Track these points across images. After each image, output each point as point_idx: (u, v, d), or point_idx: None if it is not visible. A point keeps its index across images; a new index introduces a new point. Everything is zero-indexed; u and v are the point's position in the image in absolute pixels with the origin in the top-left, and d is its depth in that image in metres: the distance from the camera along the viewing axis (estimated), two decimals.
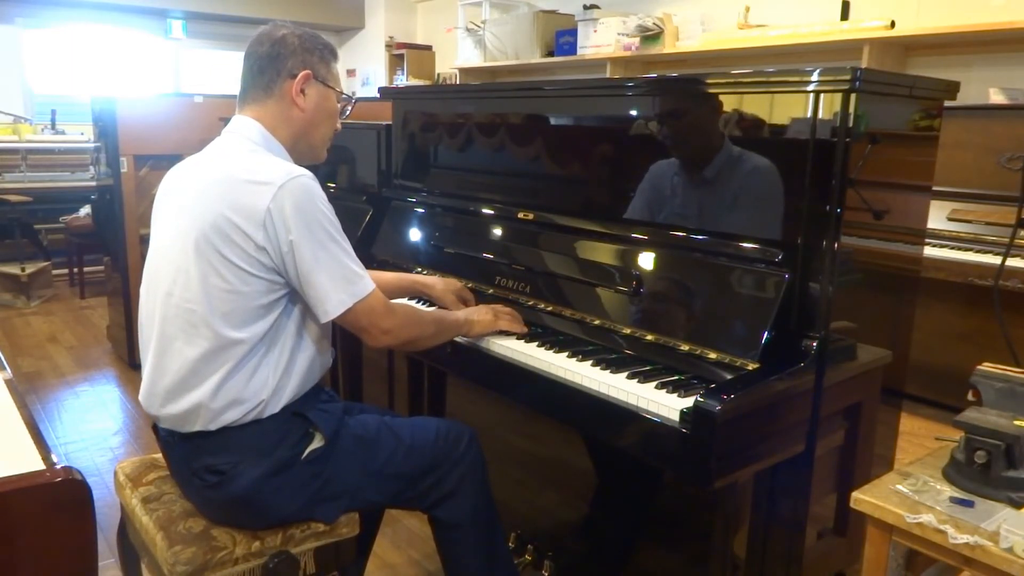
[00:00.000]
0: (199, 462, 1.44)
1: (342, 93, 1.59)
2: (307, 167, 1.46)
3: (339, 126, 1.61)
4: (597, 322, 1.68)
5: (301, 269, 1.38)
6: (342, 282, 1.41)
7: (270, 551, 1.44)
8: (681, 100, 1.68)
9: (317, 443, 1.48)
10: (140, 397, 1.51)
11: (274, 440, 1.44)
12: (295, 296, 1.44)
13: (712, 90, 1.58)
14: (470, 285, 1.97)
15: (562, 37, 5.10)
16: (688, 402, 1.33)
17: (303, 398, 1.50)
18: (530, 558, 1.98)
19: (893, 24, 3.56)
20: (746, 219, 1.53)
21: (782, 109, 1.46)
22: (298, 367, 1.47)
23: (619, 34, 4.67)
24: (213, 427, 1.41)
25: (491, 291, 1.92)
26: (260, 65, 1.50)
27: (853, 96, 1.36)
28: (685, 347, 1.50)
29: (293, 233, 1.36)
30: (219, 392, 1.40)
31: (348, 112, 1.64)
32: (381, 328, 1.47)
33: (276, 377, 1.44)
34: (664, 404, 1.36)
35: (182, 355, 1.41)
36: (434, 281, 1.91)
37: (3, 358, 1.48)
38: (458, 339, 1.76)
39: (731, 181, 1.56)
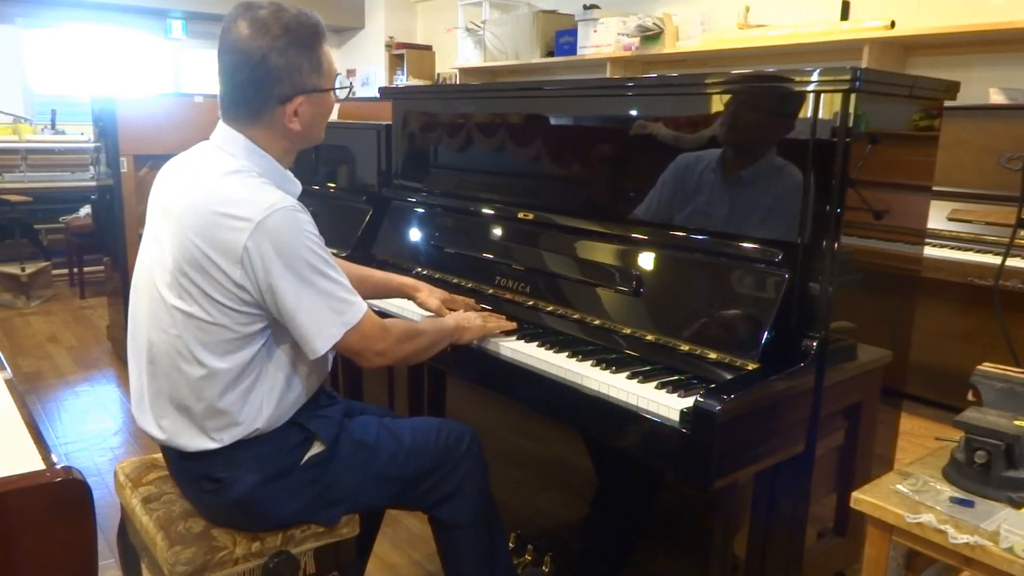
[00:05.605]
0: (197, 471, 1.43)
1: (337, 88, 1.45)
2: (296, 172, 1.47)
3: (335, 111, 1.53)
4: (597, 322, 1.68)
5: (284, 310, 1.32)
6: (329, 315, 1.34)
7: (270, 551, 1.44)
8: (681, 100, 1.68)
9: (317, 448, 1.47)
10: (132, 410, 1.49)
11: (272, 449, 1.43)
12: (280, 324, 1.38)
13: (712, 90, 1.58)
14: (470, 285, 1.97)
15: (562, 37, 5.09)
16: (688, 402, 1.33)
17: (301, 409, 1.48)
18: (530, 558, 1.98)
19: (893, 24, 3.55)
20: (746, 219, 1.52)
21: (782, 109, 1.46)
22: (294, 392, 1.44)
23: (619, 34, 4.67)
24: (209, 447, 1.39)
25: (491, 291, 1.92)
26: (244, 94, 1.35)
27: (853, 96, 1.36)
28: (685, 347, 1.50)
29: (273, 275, 1.30)
30: (211, 416, 1.37)
31: (348, 95, 1.54)
32: (375, 351, 1.43)
33: (271, 405, 1.40)
34: (664, 404, 1.36)
35: (169, 378, 1.38)
36: (420, 285, 1.83)
37: (3, 358, 1.48)
38: None
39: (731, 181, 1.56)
